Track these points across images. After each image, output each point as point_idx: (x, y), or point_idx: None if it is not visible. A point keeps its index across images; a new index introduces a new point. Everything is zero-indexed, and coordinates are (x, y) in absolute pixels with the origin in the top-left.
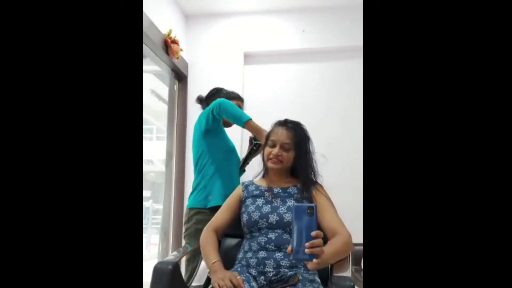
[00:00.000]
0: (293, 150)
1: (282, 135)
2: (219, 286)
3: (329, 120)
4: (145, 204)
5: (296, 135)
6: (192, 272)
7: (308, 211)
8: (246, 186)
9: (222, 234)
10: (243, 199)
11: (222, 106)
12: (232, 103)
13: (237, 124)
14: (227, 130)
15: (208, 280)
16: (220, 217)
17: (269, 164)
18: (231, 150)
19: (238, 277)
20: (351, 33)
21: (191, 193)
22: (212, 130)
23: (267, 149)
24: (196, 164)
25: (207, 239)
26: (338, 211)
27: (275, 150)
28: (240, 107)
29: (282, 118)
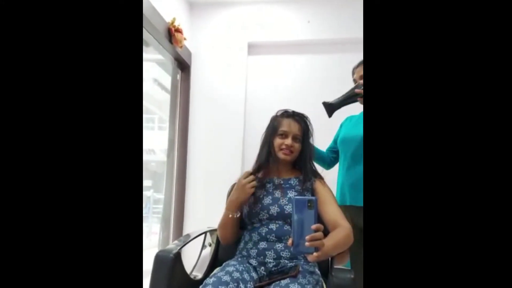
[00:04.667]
0: (300, 142)
1: (294, 127)
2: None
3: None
4: (146, 193)
5: (305, 128)
6: None
7: (309, 204)
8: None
9: (237, 229)
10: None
11: None
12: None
13: None
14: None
15: (209, 270)
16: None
17: (281, 155)
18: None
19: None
20: (356, 25)
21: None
22: None
23: (278, 140)
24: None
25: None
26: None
27: (288, 141)
28: None
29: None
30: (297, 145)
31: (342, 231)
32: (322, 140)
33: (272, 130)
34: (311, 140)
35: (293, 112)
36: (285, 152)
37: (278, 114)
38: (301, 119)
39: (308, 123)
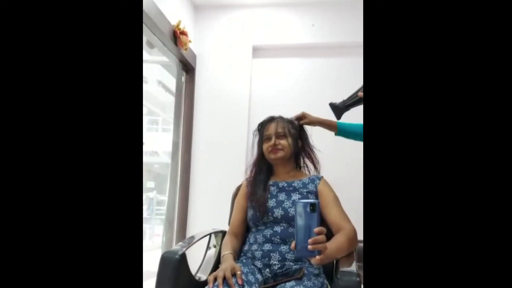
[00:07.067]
0: (290, 137)
1: (275, 126)
2: (218, 276)
3: None
4: (149, 195)
5: (288, 124)
6: None
7: (311, 207)
8: (250, 182)
9: (243, 232)
10: (248, 195)
11: None
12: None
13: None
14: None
15: (213, 271)
16: (235, 220)
17: (271, 156)
18: None
19: (239, 272)
20: (360, 29)
21: None
22: None
23: (264, 145)
24: None
25: (225, 241)
26: (344, 207)
27: (271, 141)
28: None
29: (289, 112)
30: (284, 142)
31: (345, 233)
32: (323, 141)
33: (260, 138)
34: (303, 135)
35: (272, 116)
36: (273, 151)
37: (260, 124)
38: (282, 119)
39: (290, 120)
